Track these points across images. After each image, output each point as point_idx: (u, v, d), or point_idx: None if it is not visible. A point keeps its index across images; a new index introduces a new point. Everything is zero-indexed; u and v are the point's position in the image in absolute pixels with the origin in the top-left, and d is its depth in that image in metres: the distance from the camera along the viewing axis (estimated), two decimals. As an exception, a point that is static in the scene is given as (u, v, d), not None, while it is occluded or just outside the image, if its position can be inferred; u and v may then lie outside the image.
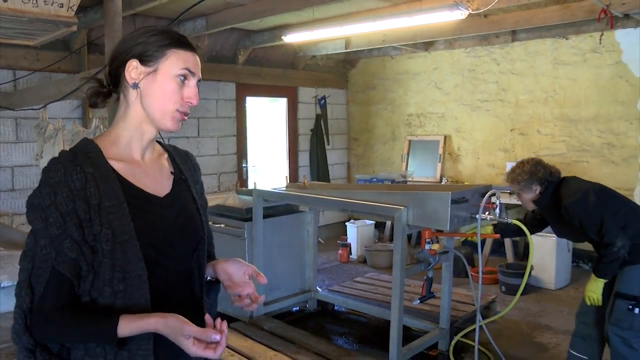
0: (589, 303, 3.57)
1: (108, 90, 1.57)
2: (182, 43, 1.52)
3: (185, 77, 1.51)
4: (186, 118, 1.54)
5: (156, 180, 1.58)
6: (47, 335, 1.40)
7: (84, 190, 1.38)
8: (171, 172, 1.63)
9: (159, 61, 1.49)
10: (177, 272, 1.53)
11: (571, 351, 3.77)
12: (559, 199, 3.59)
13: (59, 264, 1.36)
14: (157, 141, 1.67)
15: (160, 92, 1.49)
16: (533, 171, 3.68)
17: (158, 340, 1.42)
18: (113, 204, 1.41)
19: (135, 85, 1.50)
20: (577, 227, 3.51)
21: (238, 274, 1.63)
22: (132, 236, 1.40)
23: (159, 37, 1.51)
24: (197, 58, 1.55)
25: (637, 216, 3.52)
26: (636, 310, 3.38)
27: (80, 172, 1.40)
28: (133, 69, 1.49)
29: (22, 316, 1.38)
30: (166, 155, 1.68)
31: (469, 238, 4.01)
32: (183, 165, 1.69)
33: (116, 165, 1.49)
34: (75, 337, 1.42)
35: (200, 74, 1.56)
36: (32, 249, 1.39)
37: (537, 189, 3.68)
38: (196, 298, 1.61)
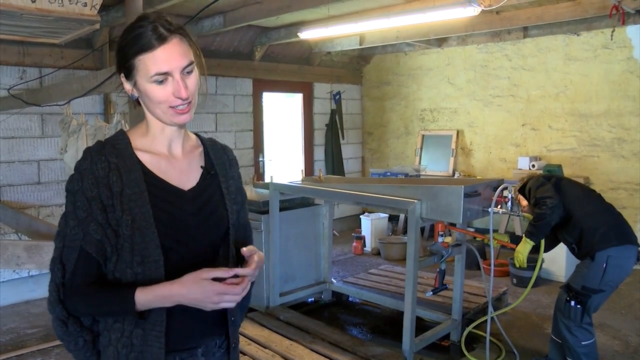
0: (517, 265, 3.83)
1: None
2: (143, 46, 1.46)
3: (161, 80, 1.48)
4: (186, 108, 1.51)
5: (183, 173, 1.62)
6: (76, 307, 1.51)
7: (107, 178, 1.48)
8: (201, 167, 1.67)
9: (132, 74, 1.50)
10: (194, 260, 1.55)
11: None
12: None
13: (86, 244, 1.47)
14: (196, 134, 1.73)
15: (148, 99, 1.51)
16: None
17: (170, 324, 1.52)
18: (134, 192, 1.49)
19: (133, 97, 1.57)
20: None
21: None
22: (150, 223, 1.48)
23: (124, 48, 1.49)
24: (171, 47, 1.47)
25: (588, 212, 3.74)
26: (572, 303, 3.63)
27: (105, 162, 1.49)
28: (125, 83, 1.55)
29: (56, 289, 1.51)
30: (201, 149, 1.71)
31: (493, 243, 4.01)
32: (217, 160, 1.71)
33: (143, 156, 1.56)
34: (99, 307, 1.52)
35: (184, 61, 1.48)
36: (63, 229, 1.51)
37: None
38: None
